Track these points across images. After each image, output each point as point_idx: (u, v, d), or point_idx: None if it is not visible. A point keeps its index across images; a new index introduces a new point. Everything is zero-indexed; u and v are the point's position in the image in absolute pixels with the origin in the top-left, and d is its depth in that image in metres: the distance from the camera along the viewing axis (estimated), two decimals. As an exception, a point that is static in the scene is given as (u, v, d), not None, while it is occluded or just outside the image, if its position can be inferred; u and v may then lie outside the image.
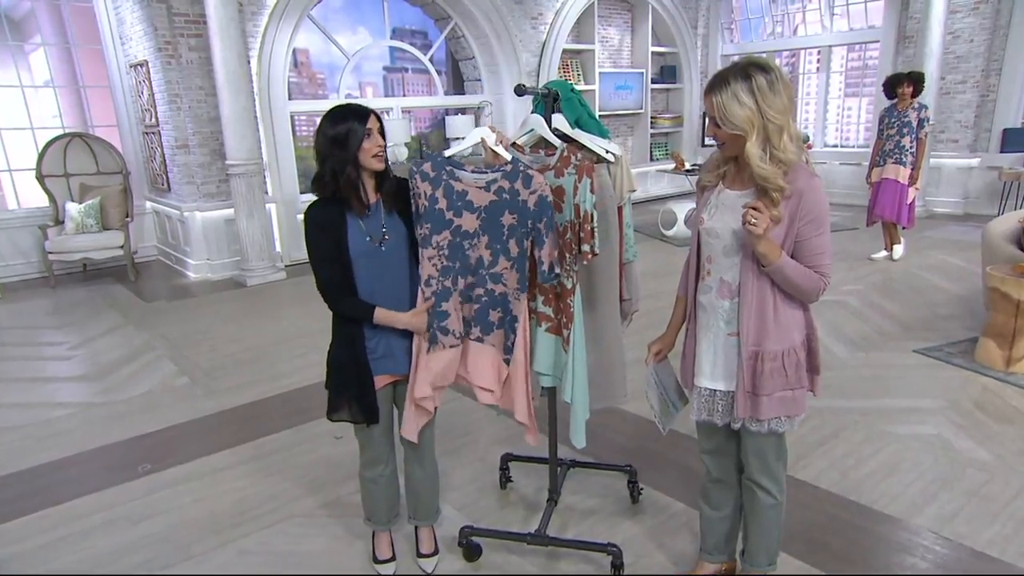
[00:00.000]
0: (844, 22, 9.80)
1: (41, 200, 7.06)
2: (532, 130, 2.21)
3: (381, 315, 2.06)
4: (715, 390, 1.93)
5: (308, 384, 4.10)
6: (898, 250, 6.37)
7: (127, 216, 6.95)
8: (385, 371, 2.17)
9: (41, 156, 6.87)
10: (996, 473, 2.85)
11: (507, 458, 2.90)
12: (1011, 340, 3.81)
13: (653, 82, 10.64)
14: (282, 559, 2.51)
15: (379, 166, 2.02)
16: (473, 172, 2.09)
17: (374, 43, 8.40)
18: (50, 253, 6.60)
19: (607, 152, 2.34)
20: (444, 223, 2.10)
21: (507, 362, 2.17)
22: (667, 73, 10.94)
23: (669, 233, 7.88)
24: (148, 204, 7.73)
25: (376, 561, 2.44)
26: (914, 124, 5.99)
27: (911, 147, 6.01)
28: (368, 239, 2.05)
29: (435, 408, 2.24)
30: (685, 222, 7.83)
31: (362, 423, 2.19)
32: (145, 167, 7.65)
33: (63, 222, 6.78)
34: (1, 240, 6.96)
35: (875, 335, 4.52)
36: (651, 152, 10.83)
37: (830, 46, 9.96)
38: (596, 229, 2.06)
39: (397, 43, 8.50)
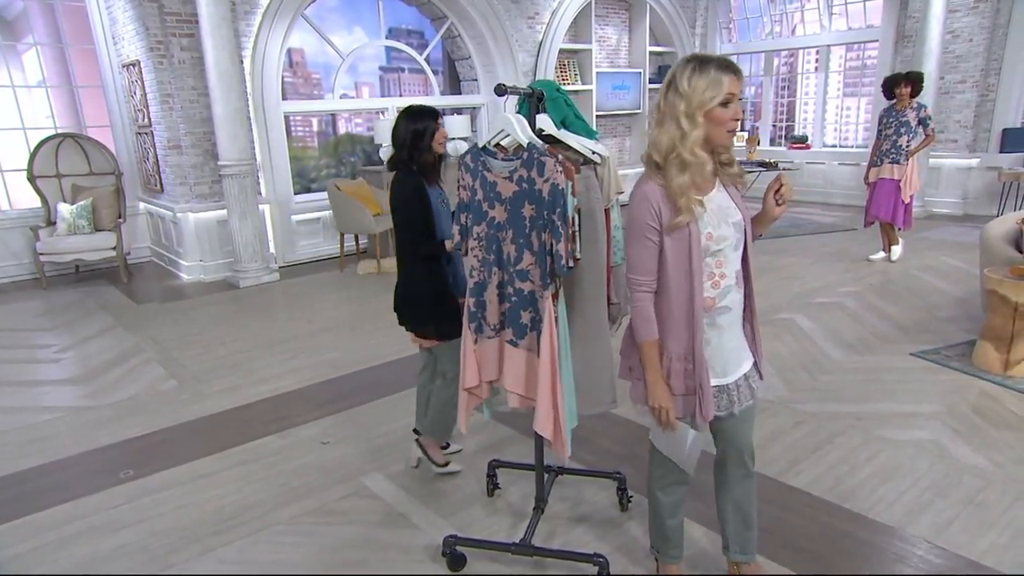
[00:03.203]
0: (843, 21, 9.74)
1: (33, 201, 7.00)
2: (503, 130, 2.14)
3: (448, 244, 2.63)
4: (746, 373, 1.95)
5: (296, 388, 4.06)
6: (896, 251, 6.32)
7: (119, 217, 6.89)
8: (458, 294, 2.71)
9: (32, 157, 6.82)
10: (993, 480, 2.80)
11: (494, 465, 2.85)
12: (1009, 343, 3.75)
13: (651, 82, 10.57)
14: (263, 568, 2.45)
15: (443, 150, 2.72)
16: (503, 160, 2.09)
17: (369, 43, 8.34)
18: (41, 254, 6.55)
19: (593, 153, 2.30)
20: (481, 214, 2.15)
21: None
22: (665, 73, 10.87)
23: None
24: (141, 205, 7.67)
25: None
26: (912, 124, 5.94)
27: (908, 147, 5.96)
28: (441, 202, 2.73)
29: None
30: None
31: (454, 338, 2.60)
32: (138, 168, 7.60)
33: (55, 223, 6.73)
34: (-7, 241, 6.92)
35: (871, 337, 4.47)
36: (649, 152, 10.76)
37: (828, 46, 9.91)
38: (579, 233, 2.01)
39: (392, 43, 8.45)
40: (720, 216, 1.80)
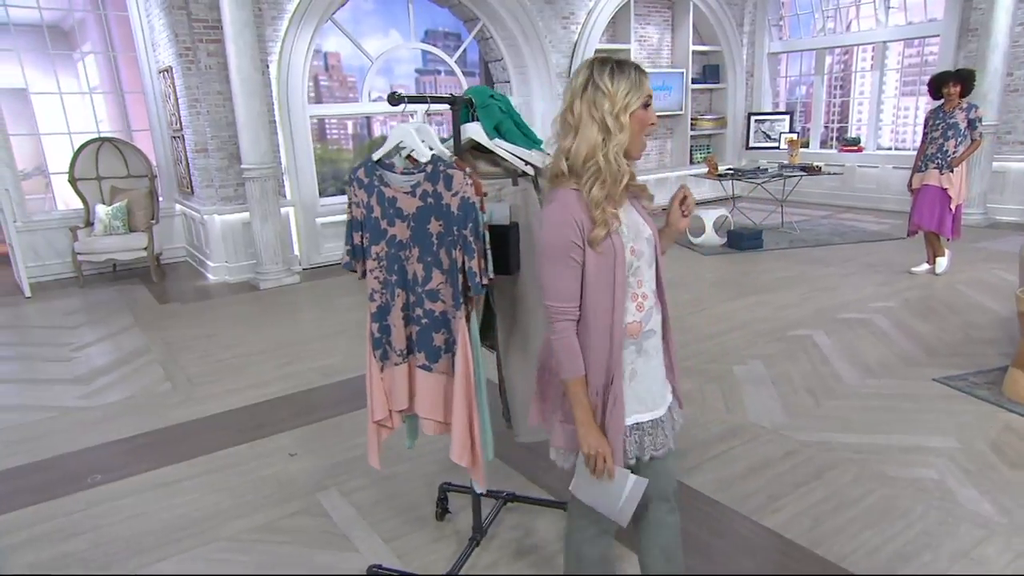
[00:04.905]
0: (901, 16, 9.15)
1: (79, 202, 7.30)
2: (401, 143, 2.00)
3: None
4: (669, 407, 1.76)
5: (284, 395, 4.03)
6: (941, 263, 5.83)
7: (152, 219, 7.10)
8: None
9: (74, 160, 7.11)
10: (996, 531, 2.48)
11: (445, 488, 2.72)
12: (1042, 372, 3.37)
13: (694, 82, 10.22)
14: (192, 587, 2.41)
15: None
16: (403, 174, 1.96)
17: (401, 45, 8.33)
18: (79, 254, 6.81)
19: (527, 164, 2.14)
20: (380, 233, 2.02)
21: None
22: (709, 73, 10.49)
23: (697, 241, 7.51)
24: (177, 207, 7.90)
25: None
26: (961, 126, 5.48)
27: (955, 152, 5.50)
28: None
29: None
30: (715, 229, 7.46)
31: None
32: (173, 170, 7.83)
33: (93, 224, 6.99)
34: (39, 240, 7.24)
35: (895, 360, 4.11)
36: (691, 155, 10.41)
37: (885, 42, 9.32)
38: (488, 251, 1.86)
39: (421, 45, 8.41)
40: (634, 230, 1.64)
